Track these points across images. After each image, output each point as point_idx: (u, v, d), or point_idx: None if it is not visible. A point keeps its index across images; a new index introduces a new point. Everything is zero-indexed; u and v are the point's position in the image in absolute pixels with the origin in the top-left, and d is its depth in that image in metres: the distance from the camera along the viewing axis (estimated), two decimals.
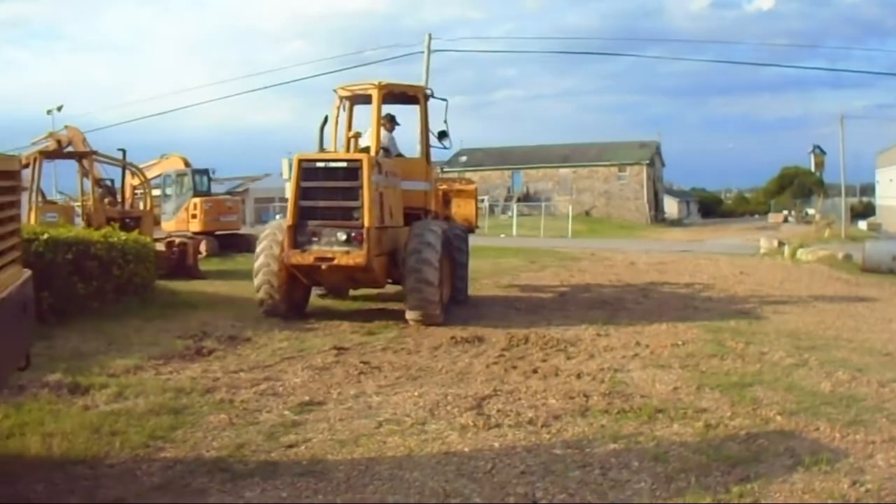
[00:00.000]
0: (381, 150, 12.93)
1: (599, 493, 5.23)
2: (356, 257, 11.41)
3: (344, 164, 11.69)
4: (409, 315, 11.91)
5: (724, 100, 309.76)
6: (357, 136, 12.95)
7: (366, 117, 13.50)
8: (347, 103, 13.84)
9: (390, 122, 13.78)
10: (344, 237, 11.51)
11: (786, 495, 5.15)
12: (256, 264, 12.38)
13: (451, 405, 7.31)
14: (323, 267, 11.57)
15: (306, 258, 11.64)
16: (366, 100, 13.36)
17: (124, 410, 6.93)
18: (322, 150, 12.12)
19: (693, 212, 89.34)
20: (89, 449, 5.93)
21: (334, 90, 13.65)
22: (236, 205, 28.26)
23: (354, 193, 11.48)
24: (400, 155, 13.81)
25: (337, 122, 13.53)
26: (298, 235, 11.69)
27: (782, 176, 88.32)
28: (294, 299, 12.61)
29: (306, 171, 11.73)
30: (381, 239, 11.86)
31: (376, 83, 13.07)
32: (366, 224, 11.42)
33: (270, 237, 12.32)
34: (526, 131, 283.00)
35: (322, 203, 11.69)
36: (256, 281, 12.33)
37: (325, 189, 11.68)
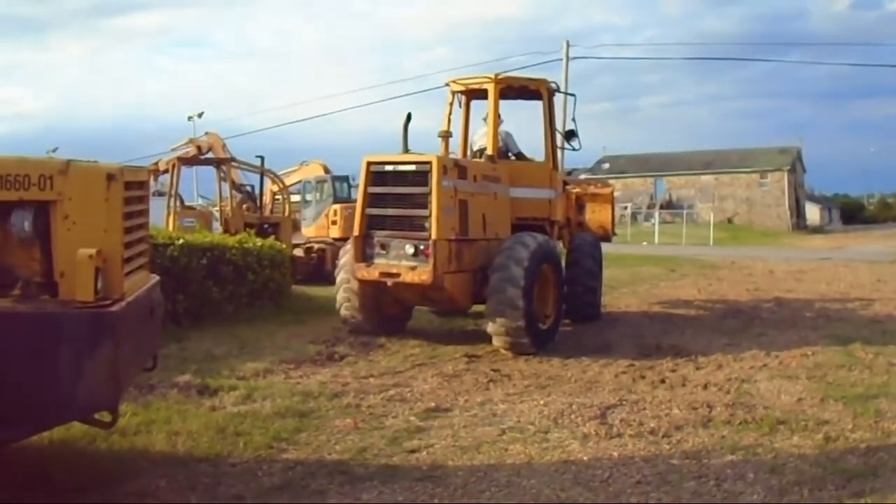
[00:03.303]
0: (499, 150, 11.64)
1: None
2: (421, 274, 9.93)
3: (412, 167, 10.27)
4: (495, 341, 10.33)
5: (867, 102, 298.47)
6: (446, 134, 11.92)
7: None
8: (462, 98, 12.64)
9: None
10: (412, 250, 10.11)
11: None
12: (337, 279, 11.35)
13: (576, 414, 7.21)
14: (389, 283, 10.31)
15: (371, 273, 10.34)
16: (481, 95, 12.05)
17: (251, 412, 7.06)
18: (406, 151, 10.72)
19: (834, 218, 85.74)
20: (213, 448, 6.07)
21: (446, 83, 12.39)
22: None
23: (424, 200, 10.09)
24: (520, 154, 12.40)
25: (449, 119, 12.18)
26: (366, 247, 10.47)
27: None
28: (384, 316, 11.26)
29: (375, 174, 10.48)
30: (462, 254, 10.35)
31: (492, 76, 11.72)
32: (433, 236, 9.93)
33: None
34: (668, 138, 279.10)
35: (391, 211, 10.39)
36: (337, 298, 11.33)
37: (394, 195, 10.37)
